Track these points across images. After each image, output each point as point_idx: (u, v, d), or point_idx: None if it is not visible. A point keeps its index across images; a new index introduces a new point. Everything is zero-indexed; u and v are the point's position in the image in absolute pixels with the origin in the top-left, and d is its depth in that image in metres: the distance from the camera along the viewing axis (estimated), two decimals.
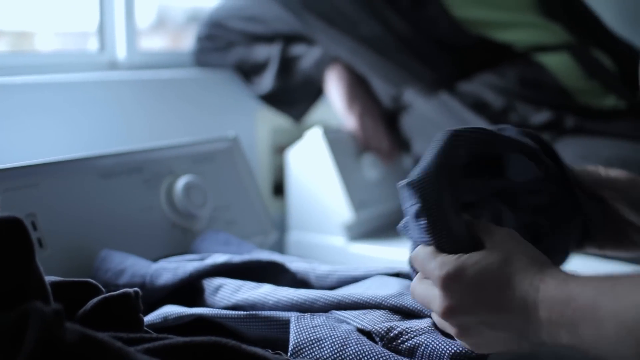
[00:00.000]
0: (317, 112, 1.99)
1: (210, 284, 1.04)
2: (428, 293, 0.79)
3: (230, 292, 1.01)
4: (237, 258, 1.09)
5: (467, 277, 0.75)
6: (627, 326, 0.64)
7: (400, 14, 1.72)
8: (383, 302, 0.91)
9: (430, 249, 0.79)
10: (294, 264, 1.11)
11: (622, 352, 0.66)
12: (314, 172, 1.73)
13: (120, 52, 1.82)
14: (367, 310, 0.91)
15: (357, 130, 1.78)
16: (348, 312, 0.92)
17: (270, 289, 0.99)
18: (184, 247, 1.28)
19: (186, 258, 1.14)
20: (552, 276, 0.72)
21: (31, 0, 1.84)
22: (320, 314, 0.92)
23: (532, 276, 0.73)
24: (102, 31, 1.81)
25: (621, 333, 0.65)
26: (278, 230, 1.56)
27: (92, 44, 1.84)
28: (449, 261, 0.76)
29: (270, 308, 0.96)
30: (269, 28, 1.87)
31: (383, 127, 1.79)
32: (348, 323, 0.90)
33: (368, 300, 0.92)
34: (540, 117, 1.58)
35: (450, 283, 0.75)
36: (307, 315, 0.91)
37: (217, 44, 1.94)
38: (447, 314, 0.76)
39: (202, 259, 1.12)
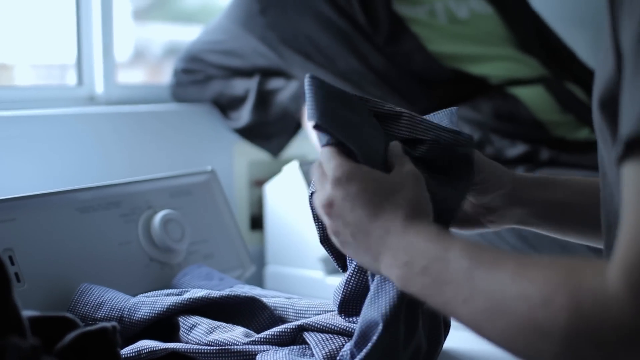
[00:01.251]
0: (296, 146, 2.00)
1: (185, 322, 1.04)
2: (323, 187, 0.83)
3: (203, 332, 1.01)
4: (215, 293, 1.09)
5: (356, 182, 0.80)
6: (500, 308, 0.65)
7: (376, 49, 1.73)
8: (347, 328, 0.94)
9: (335, 150, 0.83)
10: (273, 299, 1.12)
11: (487, 328, 0.67)
12: (291, 206, 1.74)
13: (99, 86, 1.82)
14: (331, 336, 0.93)
15: None
16: (314, 334, 0.95)
17: (243, 332, 1.00)
18: (161, 281, 1.28)
19: (164, 292, 1.14)
20: (429, 228, 0.76)
21: (10, 33, 1.84)
22: (284, 347, 0.95)
23: (410, 217, 0.78)
24: (80, 65, 1.81)
25: (493, 311, 0.66)
26: (256, 264, 1.56)
27: (71, 76, 1.85)
28: (348, 164, 0.81)
29: (244, 344, 0.97)
30: (247, 62, 1.88)
31: None
32: (312, 354, 0.92)
33: (333, 326, 0.94)
34: (516, 150, 1.60)
35: (340, 181, 0.80)
36: (272, 350, 0.94)
37: (195, 77, 1.95)
38: (326, 207, 0.81)
39: (180, 294, 1.12)
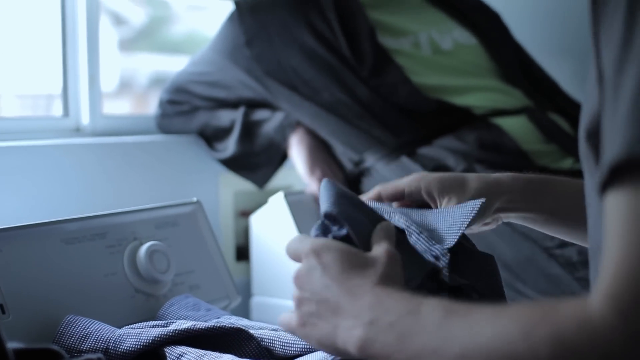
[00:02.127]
0: (282, 177, 2.00)
1: (172, 352, 1.04)
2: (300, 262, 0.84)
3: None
4: (201, 324, 1.09)
5: (331, 252, 0.81)
6: (476, 350, 0.64)
7: (361, 81, 1.74)
8: None
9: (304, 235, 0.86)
10: (260, 330, 1.12)
11: None
12: (277, 237, 1.74)
13: (84, 117, 1.83)
14: None
15: (318, 195, 1.79)
16: None
17: (230, 358, 1.00)
18: (147, 312, 1.28)
19: (150, 324, 1.14)
20: (401, 291, 0.75)
21: None
22: None
23: (381, 283, 0.77)
24: (66, 97, 1.82)
25: (467, 355, 0.65)
26: (242, 295, 1.56)
27: (57, 106, 1.85)
28: (326, 239, 0.84)
29: None
30: (233, 94, 1.89)
31: None
32: None
33: None
34: None
35: (316, 251, 0.82)
36: None
37: (181, 108, 1.95)
38: (297, 278, 0.84)
39: (166, 325, 1.12)
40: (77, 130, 1.82)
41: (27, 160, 1.57)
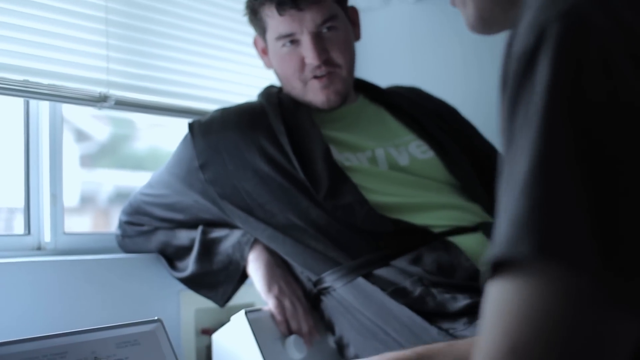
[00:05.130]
0: (244, 294, 2.00)
1: None
2: None
3: None
4: None
5: None
6: None
7: (316, 204, 1.73)
8: None
9: None
10: None
11: None
12: (239, 355, 1.73)
13: (46, 235, 1.83)
14: None
15: (276, 312, 1.77)
16: None
17: None
18: None
19: None
20: None
21: None
22: None
23: None
24: (28, 214, 1.82)
25: None
26: None
27: (19, 220, 1.85)
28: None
29: None
30: (190, 215, 1.89)
31: (303, 309, 1.79)
32: None
33: None
34: (458, 304, 1.57)
35: None
36: None
37: (140, 229, 1.95)
38: None
39: None
40: (39, 249, 1.82)
41: None
